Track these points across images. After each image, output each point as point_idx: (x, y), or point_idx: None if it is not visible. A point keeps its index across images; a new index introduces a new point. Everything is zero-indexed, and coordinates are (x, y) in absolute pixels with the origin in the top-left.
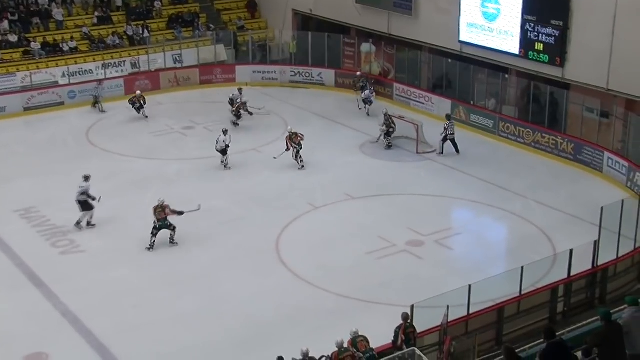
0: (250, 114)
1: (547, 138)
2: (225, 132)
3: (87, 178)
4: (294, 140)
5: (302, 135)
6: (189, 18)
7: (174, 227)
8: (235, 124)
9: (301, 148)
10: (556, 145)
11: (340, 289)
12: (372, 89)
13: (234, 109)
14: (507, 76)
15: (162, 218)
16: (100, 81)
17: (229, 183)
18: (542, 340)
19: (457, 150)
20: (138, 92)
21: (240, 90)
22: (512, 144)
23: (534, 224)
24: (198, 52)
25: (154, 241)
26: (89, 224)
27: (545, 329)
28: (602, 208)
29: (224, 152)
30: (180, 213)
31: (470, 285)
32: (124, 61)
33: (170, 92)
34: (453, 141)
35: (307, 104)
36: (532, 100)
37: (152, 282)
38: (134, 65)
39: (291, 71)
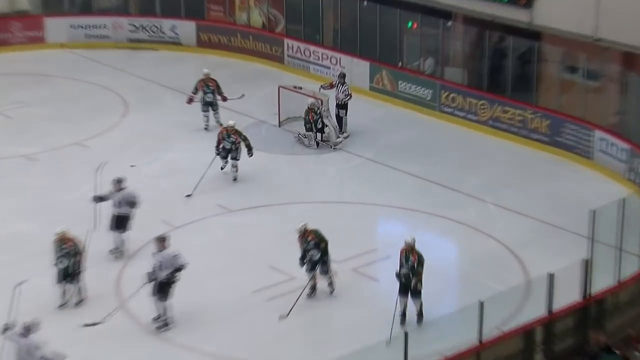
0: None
1: (511, 113)
2: None
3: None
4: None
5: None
6: None
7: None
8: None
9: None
10: (524, 123)
11: (216, 348)
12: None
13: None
14: (449, 24)
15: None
16: None
17: (39, 196)
18: None
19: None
20: None
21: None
22: (460, 122)
23: (495, 238)
24: None
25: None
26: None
27: None
28: (592, 212)
29: None
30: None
31: (406, 334)
32: None
33: None
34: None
35: (155, 73)
36: (487, 58)
37: None
38: None
39: (130, 24)
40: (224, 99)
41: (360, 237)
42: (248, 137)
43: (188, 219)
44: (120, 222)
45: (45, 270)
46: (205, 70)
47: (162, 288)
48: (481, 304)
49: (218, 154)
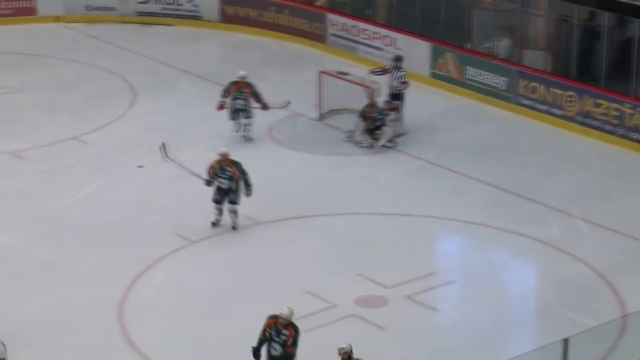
0: None
1: (605, 107)
2: None
3: None
4: None
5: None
6: None
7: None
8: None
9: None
10: (622, 120)
11: None
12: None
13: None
14: None
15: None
16: None
17: (25, 203)
18: None
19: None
20: None
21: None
22: (542, 118)
23: (584, 261)
24: None
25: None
26: None
27: None
28: None
29: None
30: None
31: None
32: None
33: None
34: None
35: (170, 54)
36: (576, 39)
37: None
38: None
39: None
40: (265, 107)
41: (417, 257)
42: (247, 172)
43: (207, 232)
44: None
45: (29, 292)
46: (242, 73)
47: None
48: (565, 342)
49: (208, 184)
